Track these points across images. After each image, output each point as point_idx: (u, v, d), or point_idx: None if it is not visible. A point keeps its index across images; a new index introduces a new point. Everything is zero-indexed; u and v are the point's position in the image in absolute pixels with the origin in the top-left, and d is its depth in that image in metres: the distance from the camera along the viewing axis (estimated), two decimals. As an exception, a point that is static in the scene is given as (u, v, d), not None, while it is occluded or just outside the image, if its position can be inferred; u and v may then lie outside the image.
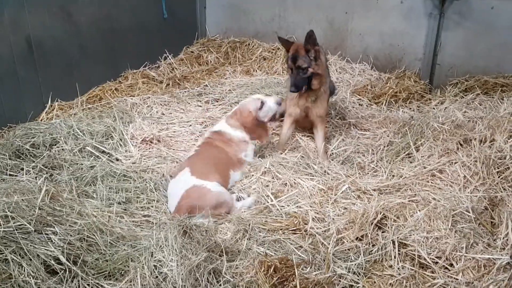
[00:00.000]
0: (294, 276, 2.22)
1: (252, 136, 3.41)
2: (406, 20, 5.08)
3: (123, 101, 4.46)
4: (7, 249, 2.05)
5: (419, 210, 2.62)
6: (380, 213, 2.61)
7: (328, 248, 2.48)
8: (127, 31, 5.04)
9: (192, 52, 5.97)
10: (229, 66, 5.61)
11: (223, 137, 3.34)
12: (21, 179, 2.96)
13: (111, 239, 2.38)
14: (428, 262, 2.36)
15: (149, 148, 3.64)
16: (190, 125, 4.07)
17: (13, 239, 2.10)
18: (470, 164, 2.94)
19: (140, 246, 2.35)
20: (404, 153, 3.35)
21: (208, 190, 2.87)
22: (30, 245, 2.11)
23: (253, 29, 6.05)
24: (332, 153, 3.66)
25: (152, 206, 2.97)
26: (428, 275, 2.33)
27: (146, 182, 3.16)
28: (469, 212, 2.59)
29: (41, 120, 4.01)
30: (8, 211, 2.20)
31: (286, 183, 3.10)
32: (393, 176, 3.14)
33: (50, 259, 2.11)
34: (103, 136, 3.61)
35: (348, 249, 2.49)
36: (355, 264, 2.37)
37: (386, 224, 2.58)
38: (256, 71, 5.46)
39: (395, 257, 2.40)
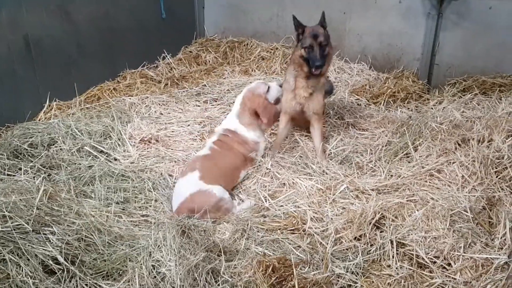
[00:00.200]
0: (292, 276, 2.22)
1: (263, 121, 3.36)
2: (404, 20, 5.08)
3: (122, 101, 4.45)
4: (5, 249, 2.05)
5: (417, 210, 2.63)
6: (379, 213, 2.61)
7: (326, 247, 2.48)
8: (125, 31, 5.03)
9: (190, 52, 5.96)
10: (227, 66, 5.60)
11: (238, 138, 3.31)
12: (19, 179, 2.95)
13: (109, 239, 2.38)
14: (426, 262, 2.37)
15: (147, 148, 3.63)
16: (189, 125, 4.07)
17: (11, 239, 2.10)
18: (468, 164, 2.95)
19: (138, 246, 2.35)
20: (402, 153, 3.35)
21: (213, 195, 2.86)
22: (28, 245, 2.11)
23: (251, 29, 6.04)
24: (331, 153, 3.66)
25: (150, 206, 2.96)
26: (426, 275, 2.34)
27: (144, 181, 3.15)
28: (467, 212, 2.59)
29: (39, 120, 4.00)
30: (6, 211, 2.20)
31: (285, 183, 3.10)
32: (391, 176, 3.14)
33: (48, 259, 2.11)
34: (101, 136, 3.60)
35: (347, 249, 2.50)
36: (354, 264, 2.38)
37: (384, 223, 2.59)
38: (254, 71, 5.45)
39: (393, 256, 2.40)
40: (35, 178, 3.00)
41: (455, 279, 2.30)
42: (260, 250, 2.50)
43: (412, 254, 2.40)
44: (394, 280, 2.31)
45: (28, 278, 2.00)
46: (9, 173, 3.08)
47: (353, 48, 5.47)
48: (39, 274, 2.05)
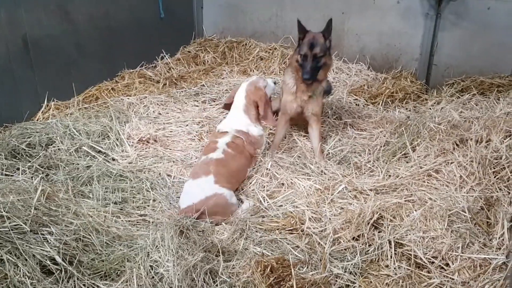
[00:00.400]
0: (290, 276, 2.22)
1: (261, 113, 3.38)
2: (403, 20, 5.09)
3: (120, 101, 4.45)
4: (3, 249, 2.05)
5: (415, 210, 2.63)
6: (377, 213, 2.62)
7: (324, 248, 2.48)
8: (124, 30, 5.02)
9: (189, 52, 5.96)
10: (226, 66, 5.60)
11: (250, 138, 3.31)
12: (17, 179, 2.94)
13: (107, 239, 2.38)
14: (424, 262, 2.37)
15: (145, 148, 3.63)
16: (187, 125, 4.06)
17: (8, 239, 2.09)
18: (466, 164, 2.95)
19: (136, 246, 2.35)
20: (401, 153, 3.35)
21: (227, 199, 2.87)
22: (26, 245, 2.11)
23: (250, 29, 6.04)
24: (329, 153, 3.66)
25: (148, 206, 2.96)
26: (424, 275, 2.34)
27: (143, 181, 3.15)
28: (465, 212, 2.60)
29: (37, 120, 4.00)
30: (4, 211, 2.19)
31: (283, 183, 3.10)
32: (390, 176, 3.14)
33: (46, 259, 2.10)
34: (99, 136, 3.60)
35: (345, 249, 2.50)
36: (352, 264, 2.38)
37: (382, 224, 2.59)
38: (253, 71, 5.45)
39: (391, 257, 2.40)
40: (33, 178, 3.00)
41: (453, 279, 2.30)
42: (258, 250, 2.50)
43: (410, 254, 2.40)
44: (392, 280, 2.31)
45: (26, 278, 2.00)
46: (7, 173, 3.07)
47: (352, 48, 5.48)
48: (37, 274, 2.04)
